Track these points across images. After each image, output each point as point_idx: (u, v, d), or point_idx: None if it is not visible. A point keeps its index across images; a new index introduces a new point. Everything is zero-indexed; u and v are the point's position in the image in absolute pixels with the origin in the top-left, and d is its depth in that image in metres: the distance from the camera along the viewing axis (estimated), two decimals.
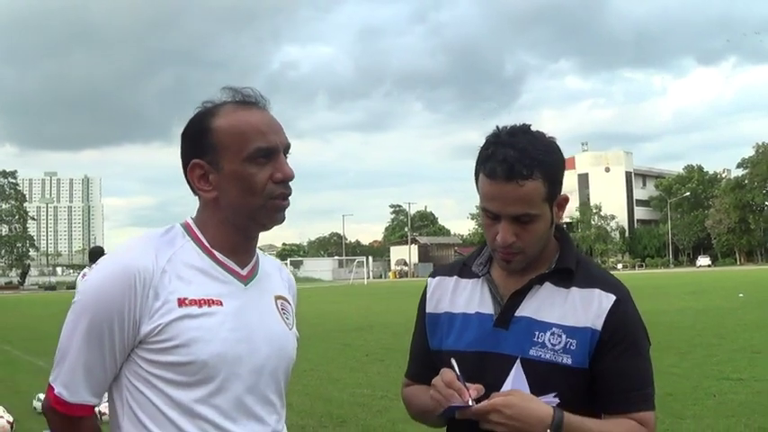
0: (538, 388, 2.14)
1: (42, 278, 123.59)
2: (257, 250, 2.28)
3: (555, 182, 2.22)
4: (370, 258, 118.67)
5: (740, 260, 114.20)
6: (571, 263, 2.31)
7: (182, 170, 2.17)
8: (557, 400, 2.12)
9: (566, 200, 2.31)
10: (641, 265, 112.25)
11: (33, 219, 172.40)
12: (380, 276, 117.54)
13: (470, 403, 2.08)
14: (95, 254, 12.82)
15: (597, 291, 2.26)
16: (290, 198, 2.16)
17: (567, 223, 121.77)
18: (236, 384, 2.09)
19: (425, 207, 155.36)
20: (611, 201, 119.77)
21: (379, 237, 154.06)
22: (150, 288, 2.02)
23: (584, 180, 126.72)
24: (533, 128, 2.27)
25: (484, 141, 2.27)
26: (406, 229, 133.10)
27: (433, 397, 2.20)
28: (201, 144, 2.13)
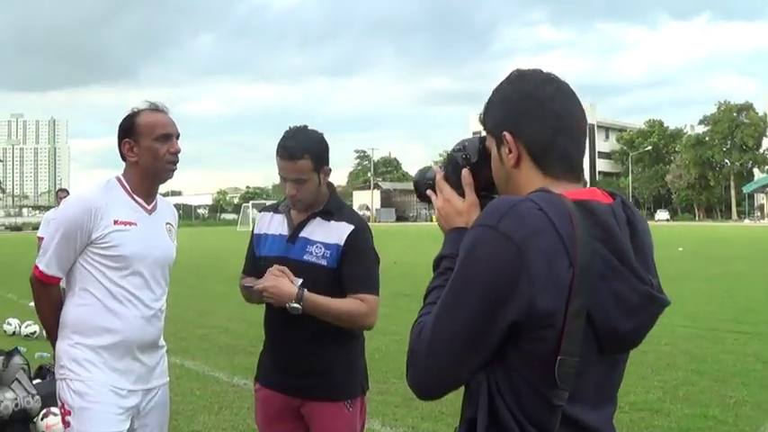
0: (307, 279, 3.66)
1: (9, 219, 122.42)
2: (158, 195, 3.86)
3: (320, 160, 3.72)
4: None
5: (699, 216, 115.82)
6: (333, 206, 3.85)
7: (117, 145, 3.72)
8: (300, 280, 3.63)
9: (328, 171, 3.81)
10: None
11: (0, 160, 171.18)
12: None
13: (254, 285, 3.67)
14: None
15: (344, 223, 3.80)
16: (177, 163, 3.72)
17: None
18: (142, 270, 3.66)
19: (389, 153, 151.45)
20: None
21: (343, 181, 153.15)
22: (99, 214, 3.54)
23: None
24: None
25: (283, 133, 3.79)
26: (369, 175, 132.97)
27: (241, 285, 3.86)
28: (130, 131, 3.67)
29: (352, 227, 3.78)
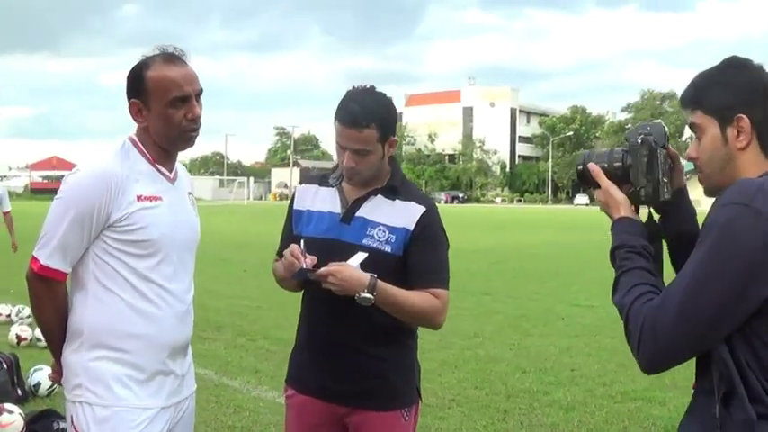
0: (367, 266, 2.96)
1: None
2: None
3: (386, 129, 3.08)
4: (251, 179, 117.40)
5: None
6: (398, 183, 3.21)
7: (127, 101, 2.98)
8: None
9: (395, 142, 3.18)
10: (520, 200, 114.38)
11: None
12: (261, 198, 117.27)
13: (310, 266, 2.92)
14: None
15: (413, 203, 3.16)
16: (198, 129, 2.98)
17: (449, 155, 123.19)
18: (172, 255, 2.96)
19: (309, 131, 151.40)
20: (494, 136, 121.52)
21: (262, 158, 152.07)
22: (120, 188, 2.81)
23: (468, 113, 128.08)
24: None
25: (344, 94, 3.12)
26: (288, 152, 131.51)
27: (283, 263, 3.06)
28: (137, 88, 2.90)
29: (424, 208, 3.16)
